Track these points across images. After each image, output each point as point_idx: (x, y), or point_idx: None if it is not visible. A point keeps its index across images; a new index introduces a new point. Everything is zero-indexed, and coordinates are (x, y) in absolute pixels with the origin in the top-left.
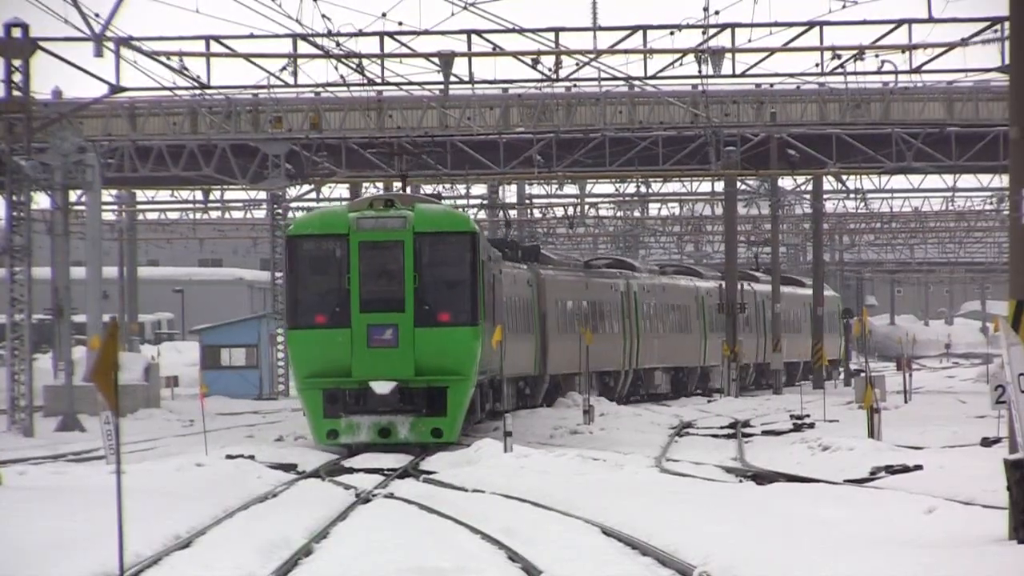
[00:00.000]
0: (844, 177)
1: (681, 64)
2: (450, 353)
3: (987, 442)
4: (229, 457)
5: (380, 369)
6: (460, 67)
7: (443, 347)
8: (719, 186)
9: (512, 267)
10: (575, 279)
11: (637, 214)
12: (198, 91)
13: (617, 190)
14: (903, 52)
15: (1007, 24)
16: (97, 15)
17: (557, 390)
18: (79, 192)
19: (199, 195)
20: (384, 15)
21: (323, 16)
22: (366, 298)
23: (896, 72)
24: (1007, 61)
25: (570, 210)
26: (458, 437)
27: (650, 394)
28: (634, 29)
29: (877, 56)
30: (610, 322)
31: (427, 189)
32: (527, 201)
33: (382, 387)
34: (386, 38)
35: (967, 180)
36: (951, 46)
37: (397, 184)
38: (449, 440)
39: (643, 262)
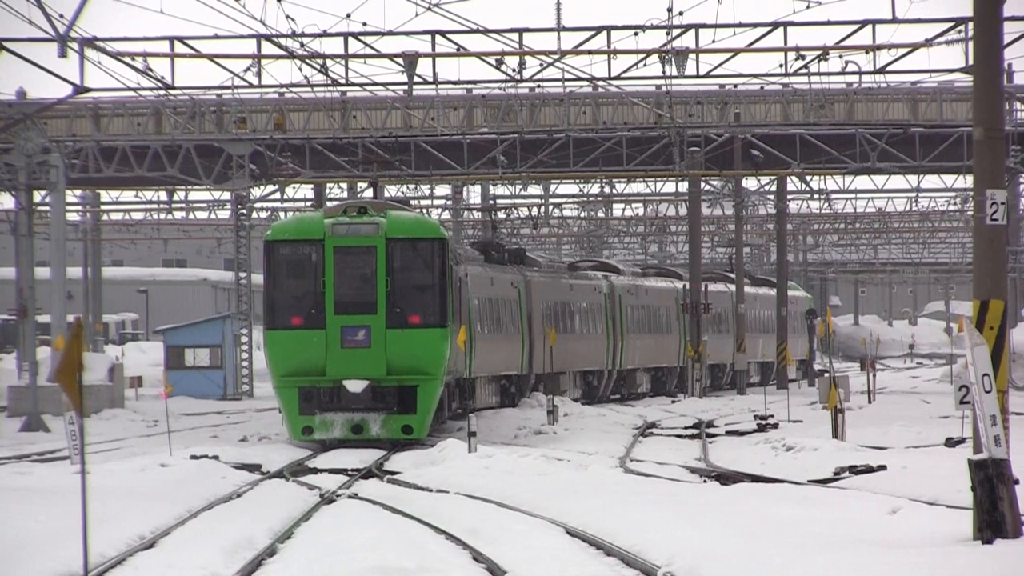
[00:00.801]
0: (808, 177)
1: (645, 65)
2: (420, 353)
3: (951, 442)
4: (193, 457)
5: (353, 369)
6: (424, 68)
7: (413, 348)
8: (683, 187)
9: (498, 269)
10: (561, 281)
11: (601, 215)
12: (162, 92)
13: (581, 191)
14: (867, 53)
15: (971, 24)
16: (61, 16)
17: (545, 388)
18: (43, 193)
19: (163, 195)
20: (348, 16)
21: (287, 17)
22: (340, 300)
23: (860, 73)
24: (971, 62)
25: (534, 211)
26: (427, 434)
27: (632, 393)
28: (598, 30)
29: (841, 57)
30: (594, 323)
31: (391, 190)
32: (491, 202)
33: (355, 386)
34: (350, 39)
35: (931, 181)
36: (915, 47)
37: (362, 184)
38: (419, 436)
39: (626, 264)
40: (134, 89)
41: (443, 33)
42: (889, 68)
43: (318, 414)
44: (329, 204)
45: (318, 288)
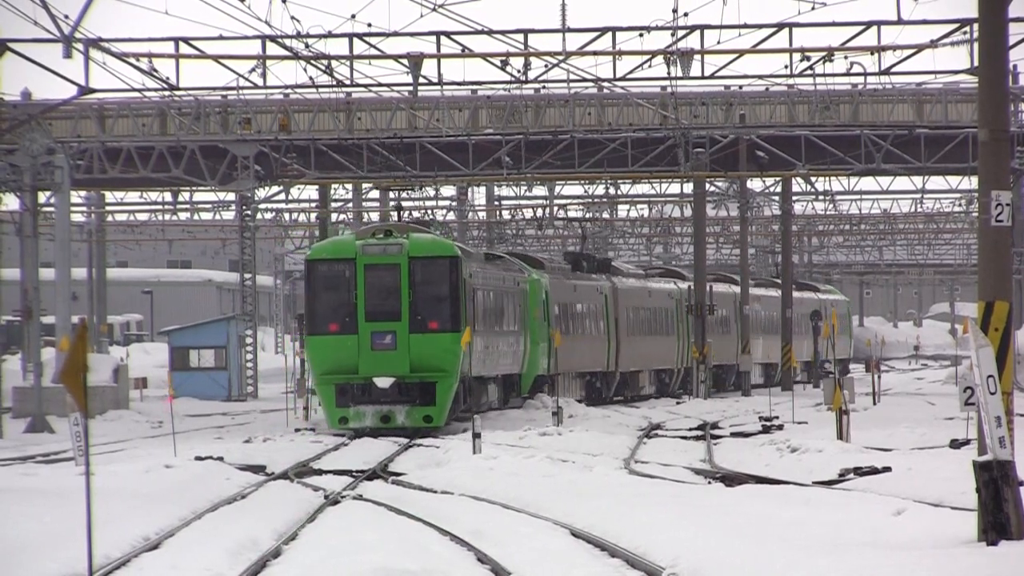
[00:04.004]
0: (813, 179)
1: (650, 66)
2: (438, 354)
3: (956, 444)
4: (198, 458)
5: (382, 367)
6: (429, 68)
7: (432, 349)
8: (688, 188)
9: (584, 278)
10: (640, 288)
11: (606, 216)
12: (167, 93)
13: (586, 192)
14: (872, 54)
15: (976, 26)
16: (66, 16)
17: (626, 384)
18: (48, 193)
19: (168, 196)
20: (353, 17)
21: (292, 18)
22: (370, 310)
23: (865, 74)
24: (976, 63)
25: (539, 212)
26: (444, 423)
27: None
28: (603, 31)
29: (846, 58)
30: (667, 325)
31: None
32: (496, 203)
33: (383, 382)
34: (355, 39)
35: (936, 182)
36: (920, 48)
37: (367, 185)
38: (438, 425)
39: (689, 271)
40: (139, 90)
41: (448, 34)
42: (894, 69)
43: (352, 406)
44: (361, 227)
45: (351, 300)
